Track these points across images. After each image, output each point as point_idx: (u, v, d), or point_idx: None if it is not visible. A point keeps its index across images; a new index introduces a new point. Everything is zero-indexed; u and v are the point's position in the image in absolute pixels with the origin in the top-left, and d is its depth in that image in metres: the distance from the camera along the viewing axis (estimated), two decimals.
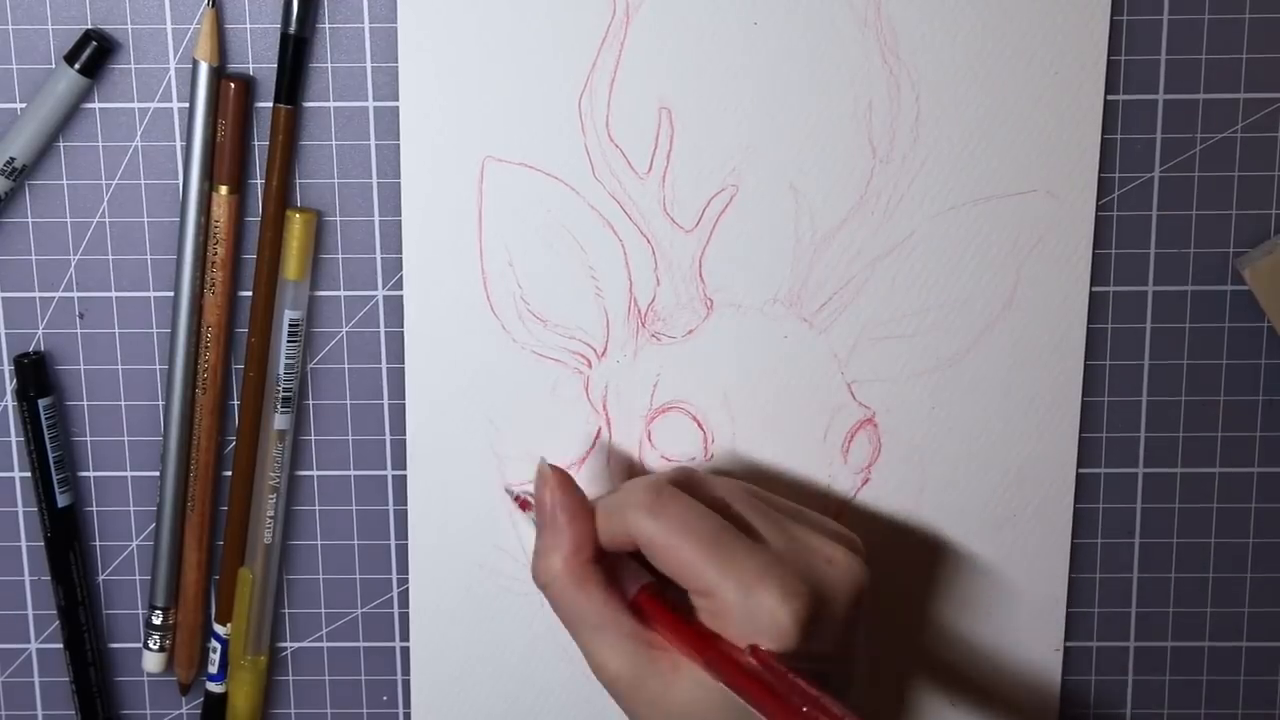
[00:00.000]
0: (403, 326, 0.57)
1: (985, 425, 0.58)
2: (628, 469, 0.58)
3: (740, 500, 0.51)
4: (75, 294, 0.57)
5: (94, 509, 0.59)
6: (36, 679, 0.61)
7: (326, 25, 0.55)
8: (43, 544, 0.59)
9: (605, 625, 0.50)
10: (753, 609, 0.47)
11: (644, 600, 0.50)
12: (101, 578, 0.60)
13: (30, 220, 0.56)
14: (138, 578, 0.60)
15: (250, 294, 0.56)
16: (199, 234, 0.55)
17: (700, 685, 0.48)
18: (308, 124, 0.56)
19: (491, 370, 0.57)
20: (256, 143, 0.56)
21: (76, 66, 0.54)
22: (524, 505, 0.57)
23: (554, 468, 0.52)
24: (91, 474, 0.59)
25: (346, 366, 0.58)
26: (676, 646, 0.49)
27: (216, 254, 0.55)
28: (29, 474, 0.58)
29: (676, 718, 0.49)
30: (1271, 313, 0.56)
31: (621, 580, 0.51)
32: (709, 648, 0.48)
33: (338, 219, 0.56)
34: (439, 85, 0.55)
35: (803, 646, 0.47)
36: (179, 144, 0.56)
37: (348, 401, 0.58)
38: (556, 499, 0.51)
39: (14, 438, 0.58)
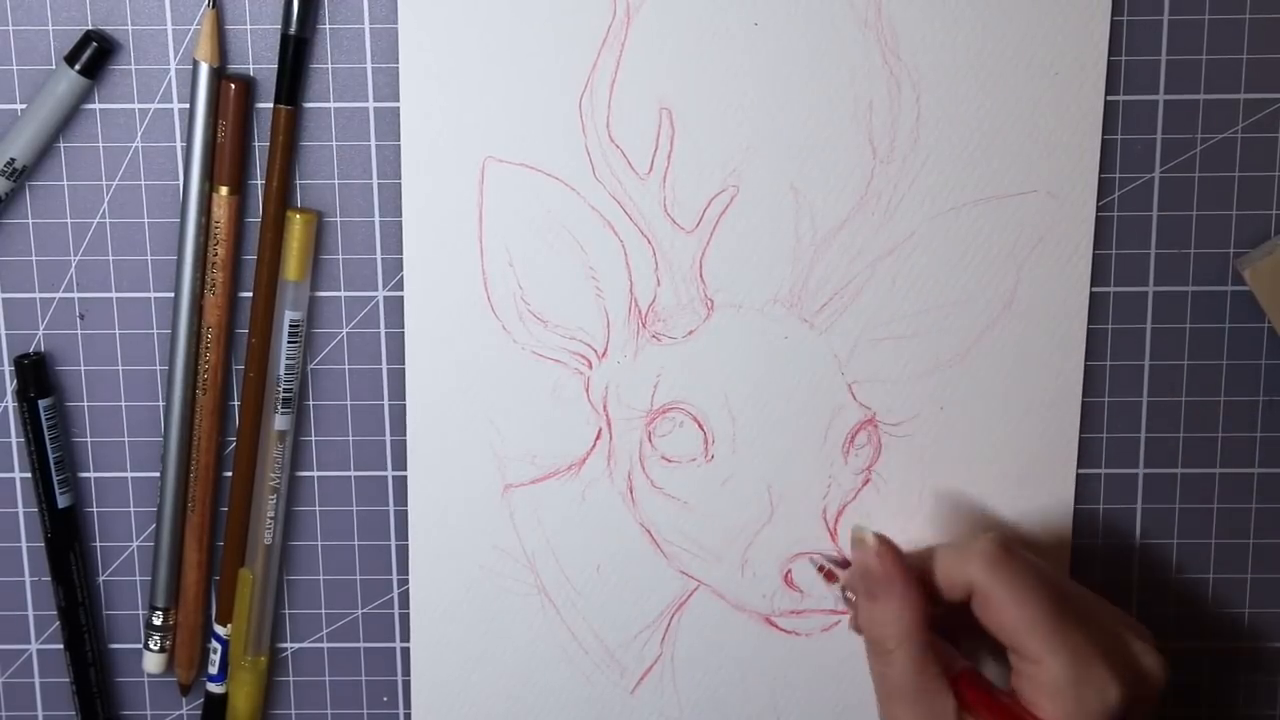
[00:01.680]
0: (403, 327, 0.57)
1: (985, 426, 0.58)
2: (628, 470, 0.58)
3: (1062, 577, 0.51)
4: (75, 294, 0.57)
5: (94, 509, 0.59)
6: (37, 680, 0.61)
7: (327, 26, 0.55)
8: (43, 544, 0.59)
9: (925, 700, 0.49)
10: (1083, 685, 0.47)
11: (966, 683, 0.50)
12: (102, 578, 0.60)
13: (31, 221, 0.56)
14: (138, 578, 0.60)
15: (250, 295, 0.56)
16: (199, 235, 0.55)
17: None
18: (308, 124, 0.56)
19: (491, 370, 0.57)
20: (257, 143, 0.56)
21: (77, 67, 0.54)
22: (830, 577, 0.56)
23: (877, 535, 0.51)
24: (92, 474, 0.59)
25: (347, 367, 0.58)
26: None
27: (217, 255, 0.55)
28: (29, 474, 0.58)
29: None
30: (1271, 313, 0.56)
31: (941, 656, 0.50)
32: None
33: (338, 219, 0.56)
34: (439, 85, 0.55)
35: None
36: (179, 145, 0.56)
37: (348, 402, 0.58)
38: (892, 563, 0.50)
39: (14, 438, 0.58)
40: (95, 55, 0.54)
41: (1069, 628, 0.48)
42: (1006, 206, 0.55)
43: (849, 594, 0.53)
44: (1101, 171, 0.55)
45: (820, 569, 0.56)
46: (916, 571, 0.51)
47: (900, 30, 0.54)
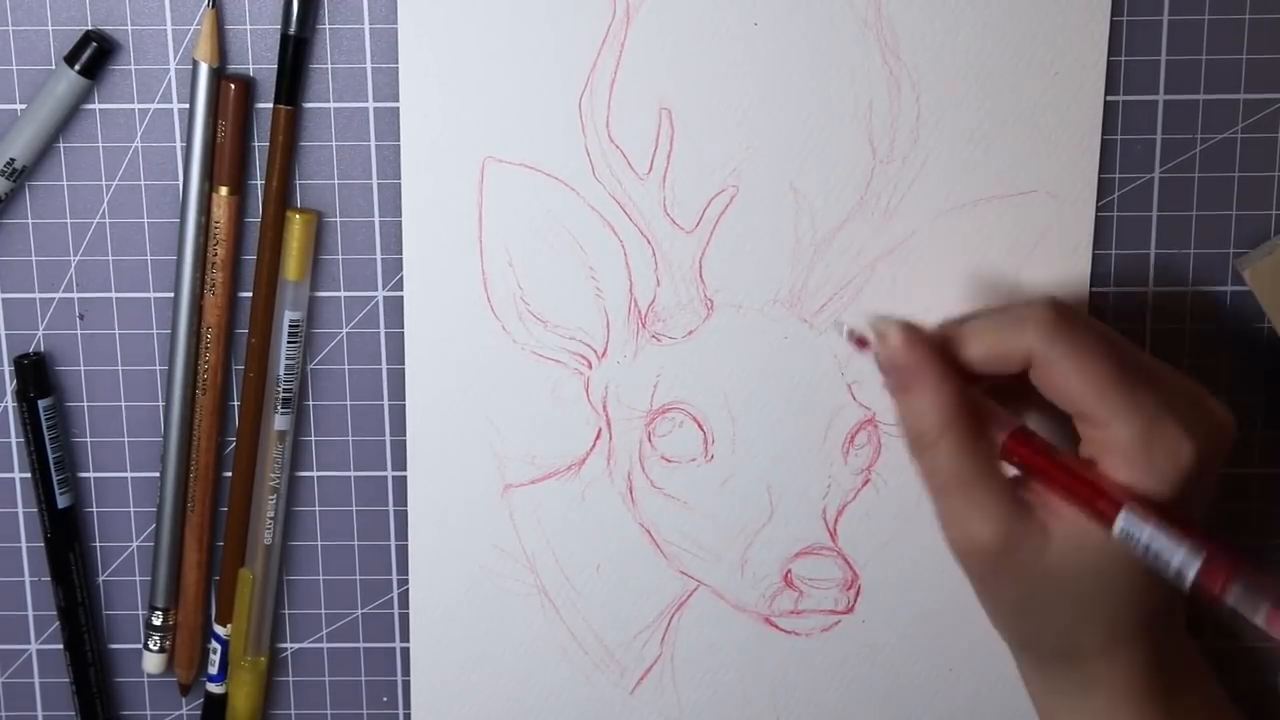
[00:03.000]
0: (403, 327, 0.57)
1: None
2: (628, 470, 0.58)
3: (1124, 340, 0.48)
4: (75, 295, 0.57)
5: (94, 510, 0.59)
6: (37, 680, 0.61)
7: (326, 26, 0.55)
8: (43, 544, 0.59)
9: (981, 478, 0.46)
10: (1155, 444, 0.44)
11: (1016, 445, 0.47)
12: (101, 578, 0.60)
13: (30, 221, 0.56)
14: (138, 578, 0.60)
15: (250, 295, 0.56)
16: (199, 235, 0.55)
17: (1084, 546, 0.45)
18: (308, 124, 0.56)
19: (491, 370, 0.57)
20: (256, 143, 0.56)
21: (77, 67, 0.54)
22: (861, 343, 0.51)
23: (899, 324, 0.48)
24: (91, 475, 0.59)
25: (346, 367, 0.58)
26: (1056, 492, 0.46)
27: (217, 255, 0.55)
28: (29, 474, 0.58)
29: (1044, 582, 0.46)
30: (1272, 313, 0.56)
31: (987, 424, 0.47)
32: (1105, 498, 0.44)
33: (338, 219, 0.56)
34: (439, 85, 0.55)
35: (1191, 489, 0.45)
36: (179, 145, 0.56)
37: (348, 402, 0.58)
38: (920, 353, 0.47)
39: (14, 438, 0.58)
40: (95, 55, 0.54)
41: (1137, 388, 0.45)
42: (1006, 206, 0.55)
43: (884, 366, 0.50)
44: (1101, 171, 0.55)
45: (851, 334, 0.50)
46: (950, 352, 0.48)
47: (900, 30, 0.54)
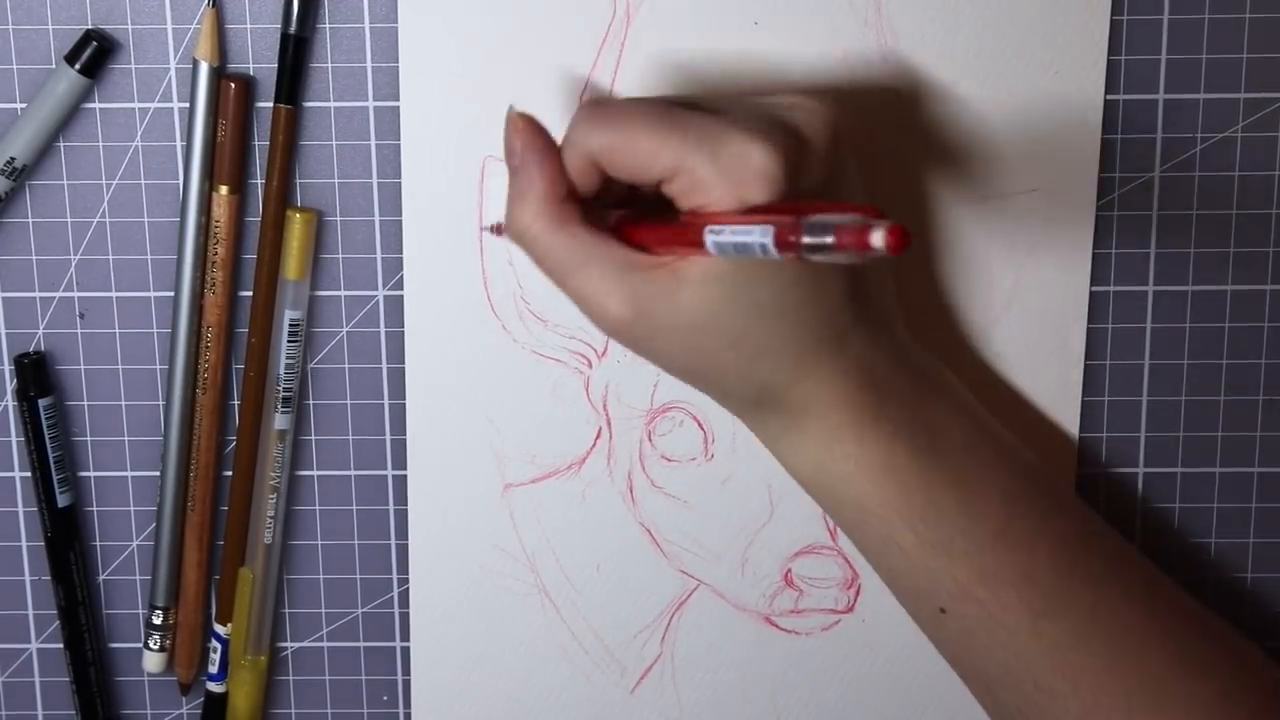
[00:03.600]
0: (403, 326, 0.57)
1: None
2: (628, 469, 0.58)
3: (689, 96, 0.48)
4: (75, 294, 0.57)
5: (94, 509, 0.59)
6: (37, 679, 0.61)
7: (327, 25, 0.55)
8: (43, 544, 0.59)
9: (593, 258, 0.46)
10: (729, 167, 0.44)
11: (625, 226, 0.47)
12: (102, 578, 0.60)
13: (30, 220, 0.56)
14: (138, 578, 0.60)
15: (250, 294, 0.56)
16: (199, 234, 0.55)
17: (707, 282, 0.45)
18: (308, 124, 0.56)
19: (491, 370, 0.57)
20: (257, 143, 0.56)
21: (77, 66, 0.54)
22: (498, 230, 0.53)
23: (522, 114, 0.47)
24: (91, 474, 0.59)
25: (347, 366, 0.58)
26: (669, 246, 0.45)
27: (217, 254, 0.56)
28: (29, 474, 0.58)
29: (691, 331, 0.46)
30: None
31: (600, 222, 0.47)
32: (692, 227, 0.44)
33: (338, 219, 0.56)
34: (439, 85, 0.55)
35: (791, 187, 0.44)
36: (179, 144, 0.56)
37: (348, 401, 0.58)
38: (526, 141, 0.47)
39: (14, 438, 0.58)
40: (95, 55, 0.54)
41: (687, 123, 0.44)
42: (1006, 206, 0.55)
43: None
44: (1101, 171, 0.55)
45: (492, 227, 0.54)
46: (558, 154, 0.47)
47: (900, 30, 0.54)
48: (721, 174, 0.44)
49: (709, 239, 0.43)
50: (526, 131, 0.47)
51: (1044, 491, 0.51)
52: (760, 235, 0.41)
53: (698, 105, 0.46)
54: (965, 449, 0.50)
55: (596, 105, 0.47)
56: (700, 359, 0.47)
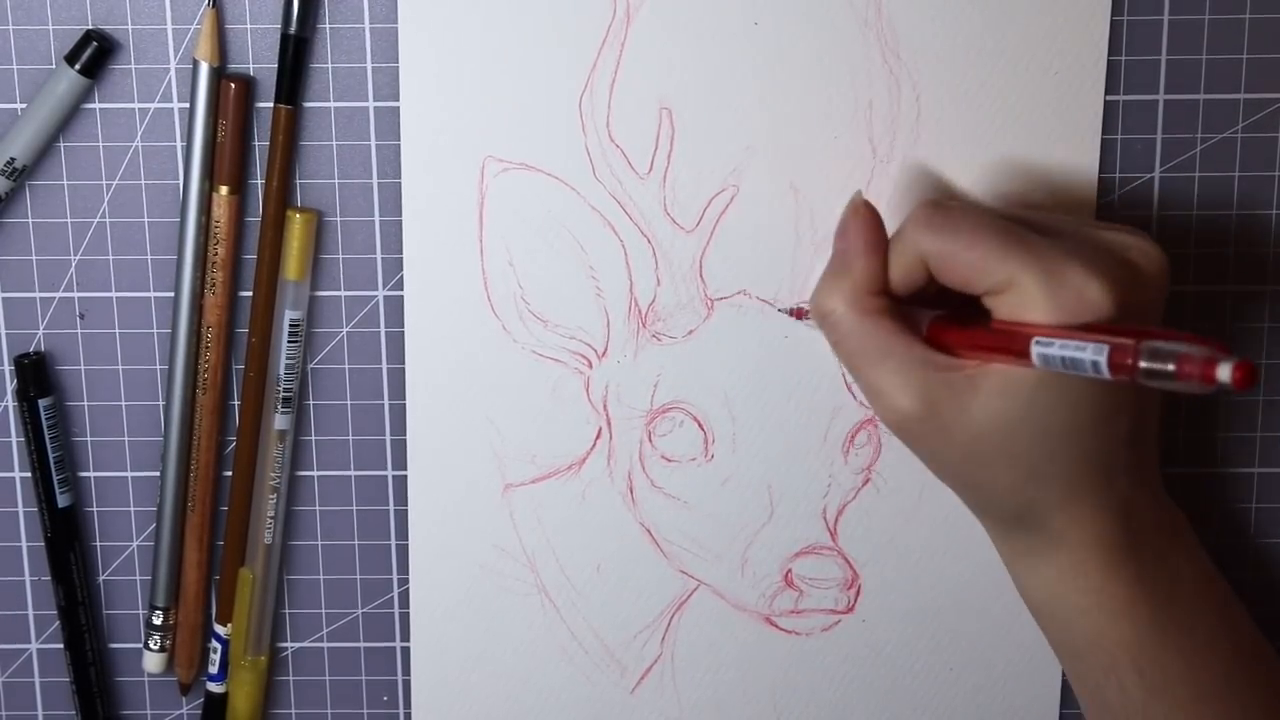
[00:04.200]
0: (403, 326, 0.57)
1: None
2: (628, 469, 0.58)
3: (1022, 213, 0.48)
4: (75, 294, 0.57)
5: (94, 509, 0.59)
6: (37, 679, 0.61)
7: (327, 25, 0.55)
8: (43, 544, 0.59)
9: (893, 351, 0.47)
10: (1064, 295, 0.44)
11: (936, 329, 0.47)
12: (102, 578, 0.60)
13: (31, 220, 0.56)
14: (138, 578, 0.60)
15: (250, 294, 0.56)
16: (199, 234, 0.55)
17: (1005, 394, 0.45)
18: (308, 124, 0.56)
19: (491, 370, 0.57)
20: (257, 143, 0.56)
21: (77, 67, 0.54)
22: (798, 314, 0.55)
23: (867, 203, 0.49)
24: (91, 474, 0.59)
25: (347, 366, 0.58)
26: (978, 352, 0.46)
27: (217, 254, 0.56)
28: (29, 474, 0.58)
29: (975, 439, 0.46)
30: None
31: (914, 324, 0.48)
32: (1013, 335, 0.44)
33: (338, 219, 0.56)
34: (439, 85, 0.55)
35: (1130, 317, 0.44)
36: (179, 144, 0.56)
37: (348, 401, 0.58)
38: (860, 228, 0.48)
39: (14, 438, 0.58)
40: (95, 55, 0.54)
41: (1026, 242, 0.45)
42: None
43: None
44: (1101, 171, 0.55)
45: (790, 312, 0.55)
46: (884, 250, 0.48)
47: (900, 30, 0.54)
48: (1054, 299, 0.44)
49: (1036, 350, 0.43)
50: (865, 220, 0.49)
51: (1257, 641, 0.51)
52: (1094, 353, 0.41)
53: (1031, 222, 0.47)
54: (1198, 596, 0.50)
55: (937, 209, 0.47)
56: (975, 468, 0.47)
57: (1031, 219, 0.48)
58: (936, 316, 0.48)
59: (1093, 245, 0.46)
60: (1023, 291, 0.45)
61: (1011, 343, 0.45)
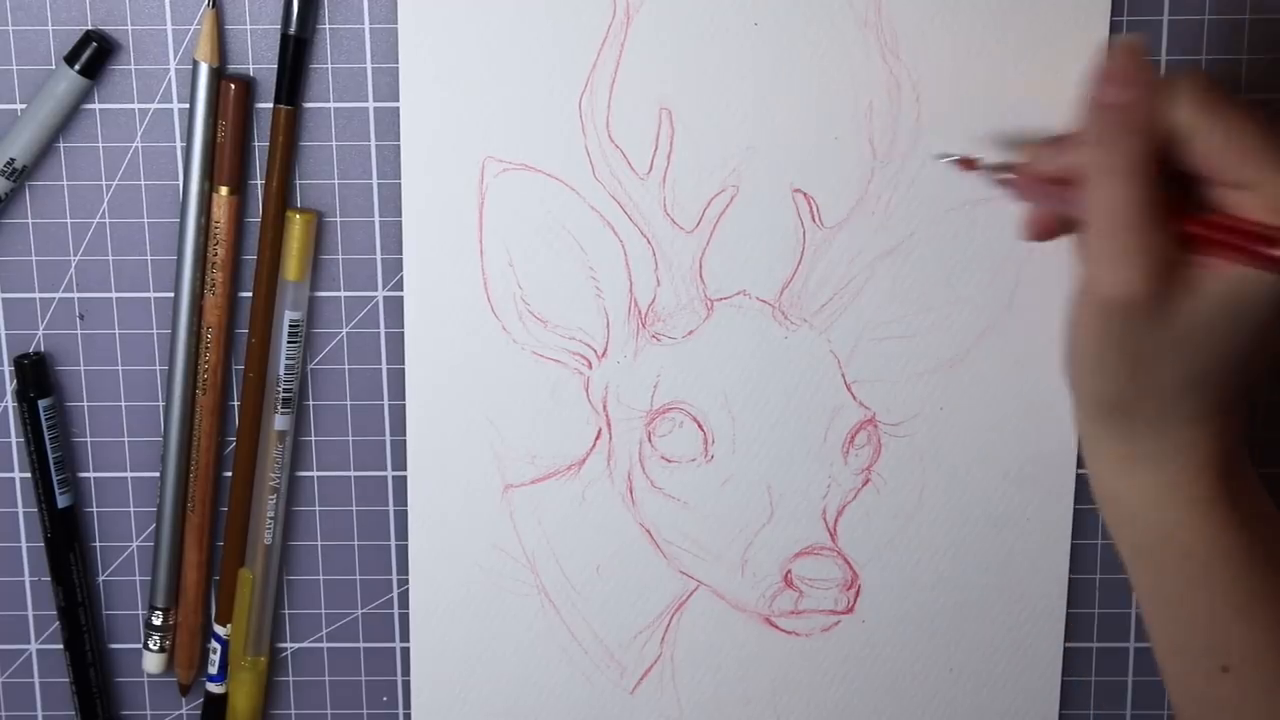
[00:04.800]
0: (403, 327, 0.57)
1: (985, 425, 0.58)
2: (628, 470, 0.58)
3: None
4: (75, 294, 0.57)
5: (94, 509, 0.59)
6: (36, 679, 0.61)
7: (326, 26, 0.55)
8: (43, 544, 0.59)
9: (1145, 228, 0.45)
10: None
11: (1173, 205, 0.45)
12: (101, 578, 0.60)
13: (30, 221, 0.56)
14: (138, 578, 0.60)
15: (250, 295, 0.56)
16: (199, 235, 0.55)
17: (1219, 306, 0.45)
18: (308, 124, 0.56)
19: (491, 370, 0.57)
20: (256, 143, 0.56)
21: (77, 67, 0.54)
22: (967, 164, 0.53)
23: (1144, 49, 0.46)
24: (91, 474, 0.59)
25: (346, 367, 0.58)
26: (1221, 238, 0.45)
27: (217, 255, 0.56)
28: (29, 474, 0.58)
29: (1177, 341, 0.46)
30: None
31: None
32: (1259, 236, 0.44)
33: (338, 219, 0.56)
34: (439, 85, 0.55)
35: None
36: (179, 145, 0.56)
37: (348, 402, 0.58)
38: (1146, 80, 0.45)
39: (14, 438, 0.58)
40: (95, 55, 0.54)
41: None
42: (1006, 206, 0.55)
43: (1002, 174, 0.50)
44: None
45: (958, 161, 0.53)
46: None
47: (900, 30, 0.54)
48: None
49: None
50: (1148, 72, 0.46)
51: None
52: None
53: None
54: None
55: (1213, 87, 0.46)
56: (1156, 364, 0.47)
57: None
58: (1176, 200, 0.46)
59: None
60: (1268, 193, 0.44)
61: (1248, 239, 0.44)
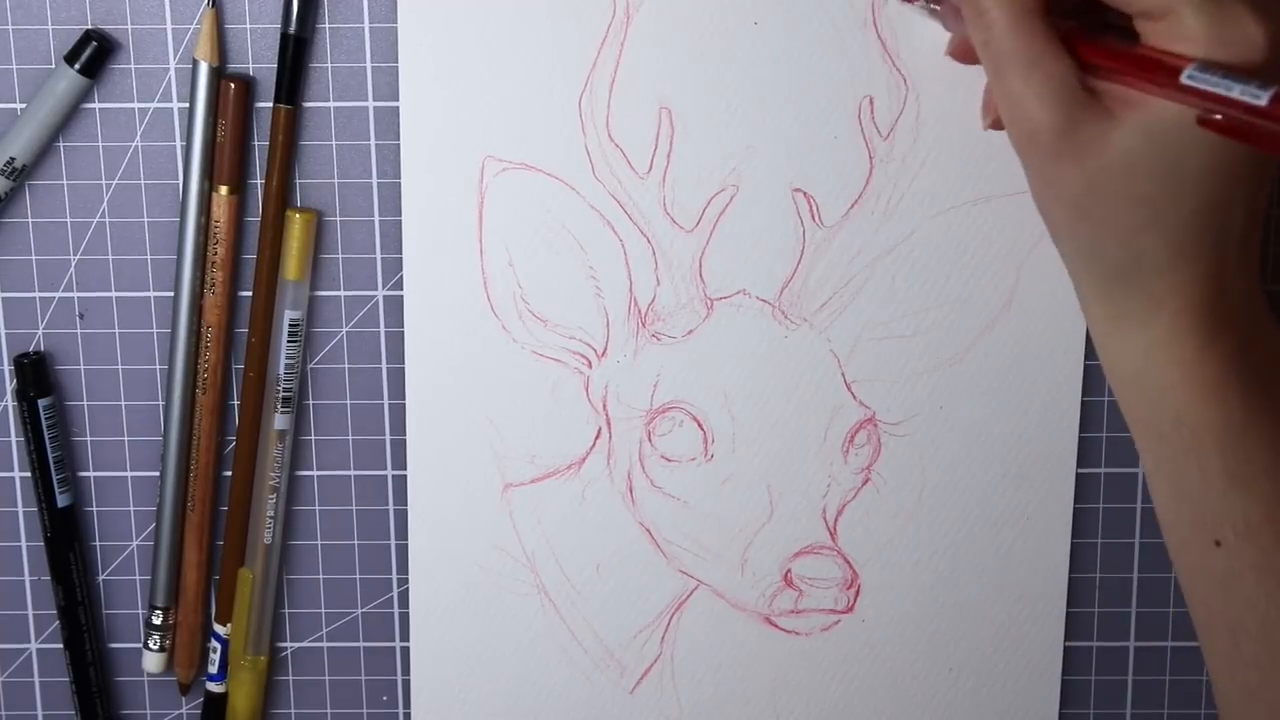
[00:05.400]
0: (403, 326, 0.57)
1: (985, 425, 0.58)
2: (628, 469, 0.58)
3: None
4: (75, 294, 0.57)
5: (94, 509, 0.59)
6: (36, 679, 0.61)
7: (326, 25, 0.55)
8: (43, 544, 0.59)
9: (1043, 61, 0.44)
10: (1222, 30, 0.42)
11: (1084, 45, 0.45)
12: (101, 578, 0.60)
13: (30, 220, 0.56)
14: (138, 578, 0.60)
15: (250, 294, 0.56)
16: (199, 234, 0.55)
17: (1145, 129, 0.44)
18: (308, 124, 0.56)
19: (491, 370, 0.57)
20: (256, 143, 0.56)
21: (76, 66, 0.54)
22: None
23: None
24: (91, 474, 0.59)
25: (346, 366, 0.58)
26: (1125, 72, 0.44)
27: (216, 254, 0.56)
28: (29, 474, 0.58)
29: (1104, 171, 0.45)
30: None
31: (1061, 31, 0.45)
32: (1168, 67, 0.42)
33: (338, 219, 0.56)
34: (439, 85, 0.55)
35: (1269, 73, 0.42)
36: (179, 144, 0.56)
37: (348, 401, 0.58)
38: None
39: (14, 438, 0.58)
40: (95, 55, 0.54)
41: None
42: (1006, 206, 0.55)
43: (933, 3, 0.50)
44: None
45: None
46: None
47: (900, 30, 0.54)
48: (1213, 32, 0.43)
49: (1186, 77, 0.42)
50: None
51: None
52: (1253, 94, 0.40)
53: None
54: None
55: None
56: (1096, 201, 0.46)
57: None
58: (1075, 27, 0.46)
59: None
60: (1181, 20, 0.43)
61: (1159, 73, 0.43)
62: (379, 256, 0.57)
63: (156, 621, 0.59)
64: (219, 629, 0.59)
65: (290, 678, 0.61)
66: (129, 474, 0.59)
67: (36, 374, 0.57)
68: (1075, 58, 0.45)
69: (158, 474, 0.58)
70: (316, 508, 0.59)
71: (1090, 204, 0.46)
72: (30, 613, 0.60)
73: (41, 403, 0.57)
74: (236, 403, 0.58)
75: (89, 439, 0.58)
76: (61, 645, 0.60)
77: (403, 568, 0.60)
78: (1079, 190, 0.46)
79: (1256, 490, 0.47)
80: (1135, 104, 0.44)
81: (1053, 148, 0.45)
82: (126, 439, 0.58)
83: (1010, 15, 0.46)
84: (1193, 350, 0.47)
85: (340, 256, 0.57)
